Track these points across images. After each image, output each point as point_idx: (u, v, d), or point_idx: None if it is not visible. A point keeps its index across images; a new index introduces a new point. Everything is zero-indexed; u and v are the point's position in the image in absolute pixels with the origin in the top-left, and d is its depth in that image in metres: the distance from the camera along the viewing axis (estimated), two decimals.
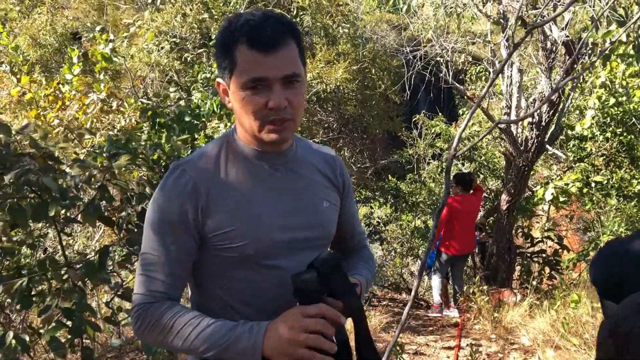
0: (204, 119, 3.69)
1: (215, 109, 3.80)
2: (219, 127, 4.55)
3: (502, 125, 7.11)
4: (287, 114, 1.32)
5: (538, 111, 6.66)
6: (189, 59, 6.43)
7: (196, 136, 3.90)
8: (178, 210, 1.36)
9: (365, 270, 1.64)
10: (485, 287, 7.16)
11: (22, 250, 2.54)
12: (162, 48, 6.67)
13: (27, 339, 2.19)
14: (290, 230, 1.43)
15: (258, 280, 1.41)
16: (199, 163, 1.41)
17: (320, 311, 1.28)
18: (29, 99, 5.28)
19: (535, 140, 6.85)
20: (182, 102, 3.72)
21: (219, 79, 1.43)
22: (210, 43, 6.00)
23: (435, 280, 6.87)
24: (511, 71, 7.19)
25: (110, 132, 4.28)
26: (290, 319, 1.28)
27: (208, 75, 5.71)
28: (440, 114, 10.40)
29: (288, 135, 1.38)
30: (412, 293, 2.07)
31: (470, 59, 7.94)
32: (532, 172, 8.60)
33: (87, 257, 2.58)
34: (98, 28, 5.73)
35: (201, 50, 6.36)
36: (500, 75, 7.29)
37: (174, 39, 6.79)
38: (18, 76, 5.26)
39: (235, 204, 1.39)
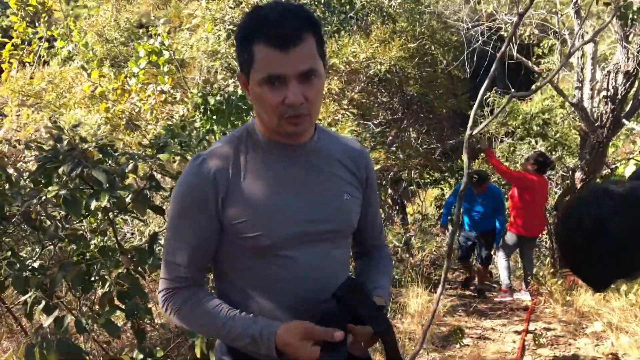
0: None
1: None
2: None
3: (574, 100, 6.75)
4: (303, 110, 1.32)
5: (613, 84, 6.26)
6: None
7: (245, 119, 3.98)
8: (199, 198, 1.40)
9: (384, 279, 1.64)
10: (558, 270, 6.88)
11: (88, 238, 2.71)
12: (218, 36, 6.79)
13: (84, 321, 2.33)
14: (307, 223, 1.44)
15: (274, 271, 1.43)
16: (220, 153, 1.44)
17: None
18: (99, 93, 5.57)
19: (611, 115, 6.46)
20: (230, 87, 3.78)
21: (239, 72, 1.45)
22: None
23: (502, 262, 6.64)
24: (581, 42, 6.78)
25: (169, 122, 4.44)
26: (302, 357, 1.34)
27: None
28: (512, 89, 9.99)
29: (305, 128, 1.39)
30: (443, 275, 2.03)
31: (537, 32, 7.54)
32: (610, 148, 8.14)
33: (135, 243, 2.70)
34: (162, 21, 5.90)
35: None
36: (570, 46, 6.90)
37: (231, 26, 6.87)
38: (89, 71, 5.55)
39: (253, 195, 1.41)
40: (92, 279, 2.71)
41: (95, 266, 2.65)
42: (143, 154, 2.55)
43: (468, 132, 2.36)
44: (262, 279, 1.45)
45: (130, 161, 2.40)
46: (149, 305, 2.56)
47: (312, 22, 1.33)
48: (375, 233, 1.71)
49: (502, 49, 3.38)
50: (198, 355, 2.17)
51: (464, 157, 2.60)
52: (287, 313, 1.44)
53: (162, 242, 2.62)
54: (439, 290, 2.05)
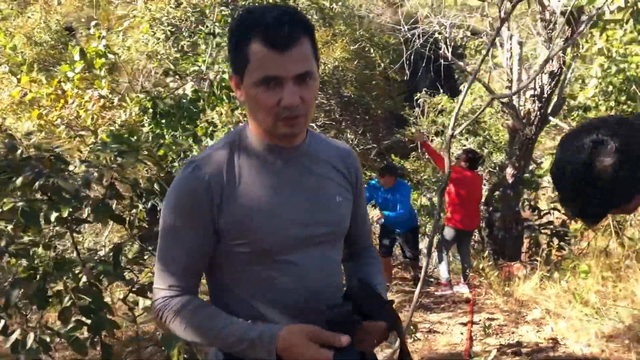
0: (204, 105, 3.70)
1: (216, 90, 3.79)
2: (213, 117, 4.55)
3: (504, 99, 7.08)
4: (299, 111, 1.32)
5: (540, 83, 6.62)
6: (185, 46, 6.40)
7: (197, 123, 3.91)
8: (194, 205, 1.37)
9: (380, 277, 1.65)
10: (494, 262, 7.20)
11: (37, 251, 2.57)
12: (157, 38, 6.63)
13: (48, 339, 2.22)
14: (305, 226, 1.44)
15: (272, 275, 1.42)
16: (213, 159, 1.42)
17: None
18: (30, 99, 5.28)
19: (538, 113, 6.83)
20: (180, 91, 3.71)
21: (231, 73, 1.43)
22: (205, 29, 5.93)
23: (441, 257, 6.88)
24: (511, 44, 7.14)
25: (112, 128, 4.29)
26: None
27: (196, 68, 5.67)
28: (441, 90, 10.35)
29: (301, 129, 1.39)
30: (423, 272, 2.09)
31: (469, 34, 7.87)
32: (536, 144, 8.57)
33: (98, 254, 2.60)
34: (93, 24, 5.68)
35: (196, 37, 6.31)
36: (500, 48, 7.24)
37: (169, 27, 6.73)
38: (18, 76, 5.25)
39: (250, 200, 1.39)
40: (47, 294, 2.58)
41: (53, 281, 2.52)
42: (104, 161, 2.45)
43: (450, 132, 2.42)
44: (261, 284, 1.43)
45: (94, 169, 2.30)
46: (113, 318, 2.47)
47: (307, 25, 1.33)
48: (365, 234, 1.73)
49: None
50: None
51: (445, 156, 2.66)
52: (287, 317, 1.43)
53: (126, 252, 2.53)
54: (418, 287, 2.10)
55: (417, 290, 2.10)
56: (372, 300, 1.41)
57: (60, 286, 2.64)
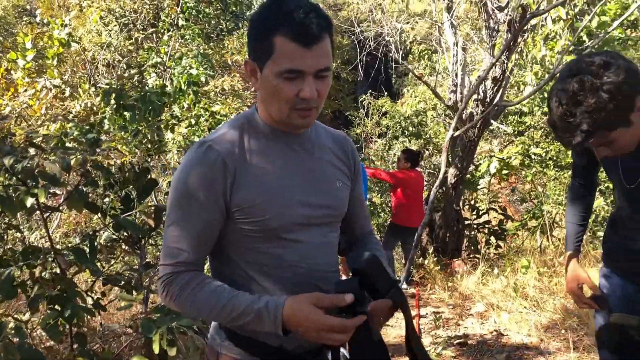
0: (171, 98, 3.67)
1: (183, 86, 3.76)
2: (173, 110, 4.51)
3: (450, 103, 7.36)
4: (314, 103, 1.39)
5: (483, 88, 6.94)
6: (139, 39, 6.27)
7: (161, 117, 3.88)
8: (207, 184, 1.41)
9: (385, 261, 1.70)
10: (437, 259, 7.47)
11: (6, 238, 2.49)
12: (110, 30, 6.46)
13: (23, 326, 2.17)
14: (309, 207, 1.50)
15: (278, 253, 1.48)
16: (226, 138, 1.46)
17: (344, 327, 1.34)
18: None
19: (481, 116, 7.14)
20: (150, 84, 3.67)
21: (248, 59, 1.47)
22: (160, 24, 5.86)
23: (386, 254, 7.07)
24: (457, 49, 7.44)
25: (69, 118, 4.18)
26: (313, 324, 1.33)
27: (159, 60, 5.61)
28: (385, 93, 10.63)
29: (312, 121, 1.46)
30: (407, 265, 2.17)
31: (411, 39, 8.13)
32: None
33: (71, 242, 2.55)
34: (38, 11, 5.50)
35: (152, 30, 6.20)
36: (446, 52, 7.52)
37: (123, 19, 6.58)
38: None
39: (260, 180, 1.45)
40: (14, 283, 2.52)
41: (20, 269, 2.46)
42: (80, 148, 2.41)
43: (450, 133, 2.53)
44: (266, 261, 1.48)
45: (71, 155, 2.27)
46: (88, 305, 2.44)
47: (329, 22, 1.39)
48: (364, 220, 1.80)
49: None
50: (156, 352, 2.12)
51: (443, 156, 2.77)
52: (290, 293, 1.48)
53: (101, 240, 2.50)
54: (403, 277, 2.18)
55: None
56: (380, 277, 1.44)
57: (22, 275, 2.58)
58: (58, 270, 2.52)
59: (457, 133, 2.92)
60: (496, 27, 6.69)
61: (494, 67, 6.74)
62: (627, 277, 2.04)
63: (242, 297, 1.40)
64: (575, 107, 1.62)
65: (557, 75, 1.70)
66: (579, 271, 2.17)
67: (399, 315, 5.26)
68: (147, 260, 2.94)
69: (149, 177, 2.76)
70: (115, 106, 3.70)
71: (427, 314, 5.68)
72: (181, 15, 4.79)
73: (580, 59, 1.66)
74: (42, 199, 2.17)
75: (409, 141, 10.08)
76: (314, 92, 1.36)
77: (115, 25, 6.53)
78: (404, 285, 6.88)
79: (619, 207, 2.05)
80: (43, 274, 2.50)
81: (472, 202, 8.72)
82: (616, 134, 1.66)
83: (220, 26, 7.00)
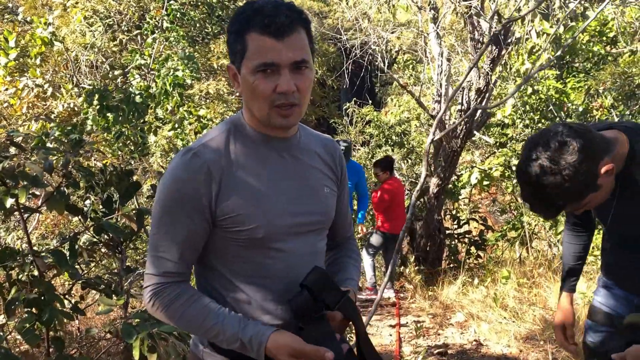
0: (155, 100, 3.63)
1: (169, 88, 3.72)
2: (157, 113, 4.47)
3: (434, 112, 7.40)
4: (294, 99, 1.37)
5: (467, 99, 7.00)
6: (124, 41, 6.21)
7: (145, 119, 3.84)
8: (192, 193, 1.39)
9: (354, 270, 1.72)
10: (417, 268, 7.48)
11: None
12: (95, 30, 6.38)
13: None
14: (296, 215, 1.49)
15: (264, 262, 1.46)
16: (211, 146, 1.44)
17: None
18: None
19: (464, 127, 7.19)
20: (134, 85, 3.63)
21: (229, 64, 1.47)
22: (145, 25, 5.81)
23: (368, 261, 7.05)
24: (441, 60, 7.49)
25: (50, 118, 4.11)
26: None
27: (143, 62, 5.55)
28: (370, 101, 10.68)
29: (295, 120, 1.43)
30: (390, 268, 2.17)
31: (397, 48, 8.18)
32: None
33: (49, 245, 2.51)
34: (21, 9, 5.43)
35: (136, 32, 6.14)
36: (431, 63, 7.57)
37: (108, 20, 6.52)
38: None
39: (247, 188, 1.43)
40: None
41: None
42: (61, 148, 2.37)
43: (430, 137, 2.54)
44: (252, 270, 1.46)
45: (53, 156, 2.23)
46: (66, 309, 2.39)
47: (303, 17, 1.40)
48: (346, 225, 1.79)
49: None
50: (136, 358, 2.08)
51: (424, 160, 2.77)
52: (276, 303, 1.47)
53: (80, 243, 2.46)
54: (383, 284, 2.18)
55: (382, 286, 2.19)
56: (327, 290, 1.44)
57: (2, 278, 2.52)
58: (36, 273, 2.47)
59: (437, 137, 2.94)
60: (481, 39, 6.75)
61: (477, 79, 6.80)
62: (627, 289, 2.14)
63: (228, 323, 1.41)
64: (543, 189, 1.68)
65: (522, 145, 1.76)
66: (569, 314, 2.26)
67: (379, 324, 5.22)
68: (127, 264, 2.90)
69: (132, 179, 2.73)
70: (98, 107, 3.66)
71: (407, 322, 5.68)
72: (166, 18, 4.75)
73: (538, 142, 1.69)
74: (23, 200, 2.12)
75: (392, 150, 10.12)
76: (291, 85, 1.35)
77: (99, 26, 6.47)
78: (389, 294, 6.86)
79: (605, 240, 2.19)
80: (20, 276, 2.45)
81: (454, 212, 8.76)
82: (588, 198, 1.73)
83: (206, 30, 6.98)
